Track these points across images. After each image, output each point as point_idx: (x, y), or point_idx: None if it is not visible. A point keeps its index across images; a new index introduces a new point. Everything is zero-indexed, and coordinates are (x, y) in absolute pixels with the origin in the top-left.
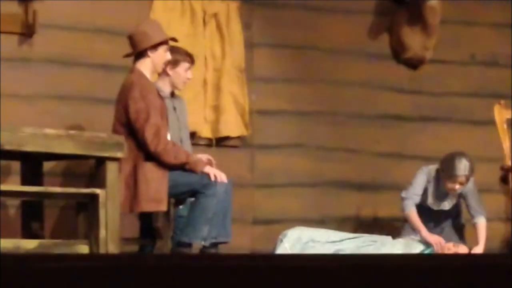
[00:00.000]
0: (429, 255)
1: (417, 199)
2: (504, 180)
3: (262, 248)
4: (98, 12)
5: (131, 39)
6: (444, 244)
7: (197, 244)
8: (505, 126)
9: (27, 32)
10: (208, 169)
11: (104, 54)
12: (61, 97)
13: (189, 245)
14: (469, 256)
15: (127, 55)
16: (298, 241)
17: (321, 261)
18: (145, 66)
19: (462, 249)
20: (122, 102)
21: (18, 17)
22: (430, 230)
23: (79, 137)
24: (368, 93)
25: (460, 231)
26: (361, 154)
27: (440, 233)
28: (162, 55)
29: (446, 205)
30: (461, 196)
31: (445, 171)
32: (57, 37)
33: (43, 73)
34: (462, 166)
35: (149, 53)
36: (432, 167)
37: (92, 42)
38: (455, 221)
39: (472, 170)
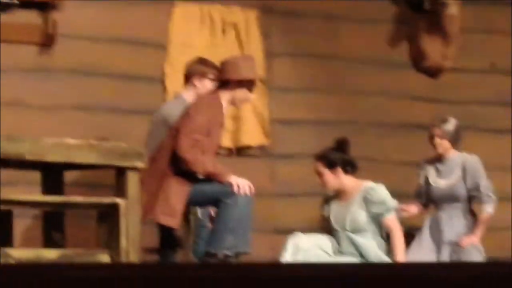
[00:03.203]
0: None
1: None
2: None
3: None
4: (118, 22)
5: (222, 65)
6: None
7: (221, 254)
8: None
9: (47, 42)
10: (232, 179)
11: (123, 64)
12: (81, 107)
13: (215, 255)
14: (484, 265)
15: (213, 79)
16: (297, 248)
17: (341, 269)
18: (225, 96)
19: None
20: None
21: (38, 28)
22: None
23: (99, 147)
24: (388, 102)
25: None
26: (381, 163)
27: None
28: (245, 92)
29: (443, 182)
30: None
31: (428, 133)
32: (77, 47)
33: (63, 83)
34: (437, 121)
35: (233, 85)
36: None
37: (112, 52)
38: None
39: (444, 122)
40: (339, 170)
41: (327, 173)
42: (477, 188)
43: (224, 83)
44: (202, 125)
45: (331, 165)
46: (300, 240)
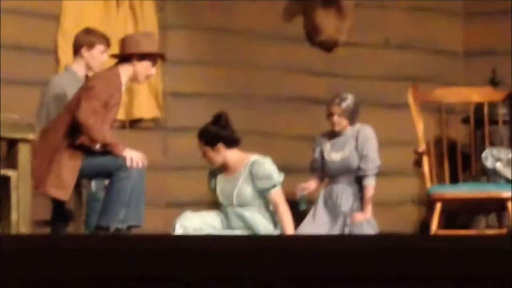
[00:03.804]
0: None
1: (316, 169)
2: (417, 163)
3: None
4: None
5: (122, 41)
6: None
7: (113, 228)
8: (419, 109)
9: None
10: (126, 152)
11: (15, 34)
12: None
13: (107, 229)
14: (381, 237)
15: (113, 56)
16: (186, 229)
17: (238, 242)
18: (126, 71)
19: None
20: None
21: None
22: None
23: None
24: (282, 76)
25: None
26: (275, 137)
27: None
28: (147, 67)
29: (337, 156)
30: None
31: (326, 109)
32: None
33: None
34: (336, 99)
35: (134, 60)
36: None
37: (3, 22)
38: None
39: (344, 100)
40: (220, 146)
41: (209, 151)
42: (364, 159)
43: (124, 59)
44: (101, 96)
45: (211, 143)
46: (188, 220)
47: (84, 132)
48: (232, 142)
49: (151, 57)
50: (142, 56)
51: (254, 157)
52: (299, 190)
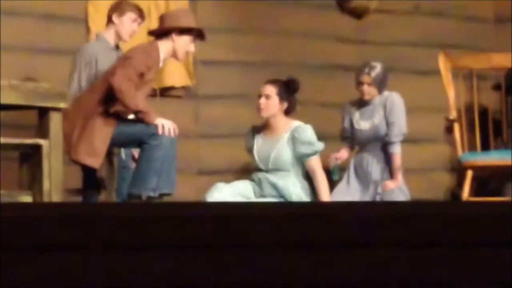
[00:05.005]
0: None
1: (346, 138)
2: (449, 130)
3: None
4: None
5: (161, 18)
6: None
7: (145, 195)
8: (450, 76)
9: None
10: (158, 120)
11: (46, 3)
12: (3, 48)
13: (139, 197)
14: (415, 204)
15: (151, 33)
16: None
17: (265, 209)
18: (165, 47)
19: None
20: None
21: None
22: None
23: (21, 87)
24: (312, 43)
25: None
26: (305, 105)
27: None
28: (186, 42)
29: (367, 124)
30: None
31: (355, 78)
32: None
33: None
34: (366, 68)
35: (173, 35)
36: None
37: None
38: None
39: (373, 69)
40: (285, 105)
41: (275, 100)
42: (391, 126)
43: (163, 35)
44: (138, 66)
45: (284, 97)
46: (220, 193)
47: (118, 97)
48: (292, 109)
49: (190, 33)
50: (181, 32)
51: (297, 122)
52: (331, 160)
